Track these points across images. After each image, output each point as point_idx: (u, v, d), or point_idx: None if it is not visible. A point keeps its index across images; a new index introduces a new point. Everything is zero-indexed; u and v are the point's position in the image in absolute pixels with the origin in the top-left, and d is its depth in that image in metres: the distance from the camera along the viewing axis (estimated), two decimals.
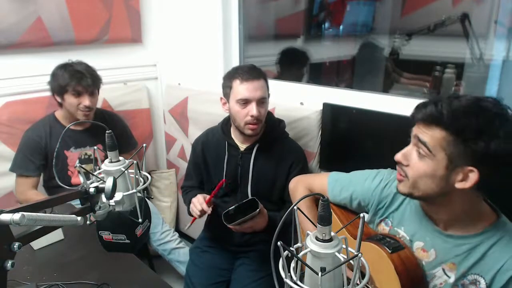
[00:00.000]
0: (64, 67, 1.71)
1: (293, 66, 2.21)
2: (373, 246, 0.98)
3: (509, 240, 0.87)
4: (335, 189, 1.19)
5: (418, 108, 0.90)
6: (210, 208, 1.40)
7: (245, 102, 1.39)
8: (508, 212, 0.94)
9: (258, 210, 1.26)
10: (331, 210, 0.56)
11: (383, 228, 1.09)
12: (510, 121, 0.82)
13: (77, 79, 1.68)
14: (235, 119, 1.45)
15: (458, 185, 0.86)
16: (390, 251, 0.95)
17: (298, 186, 1.33)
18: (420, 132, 0.89)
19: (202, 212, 1.39)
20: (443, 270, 0.94)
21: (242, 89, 1.38)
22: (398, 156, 0.94)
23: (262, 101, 1.40)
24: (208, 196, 1.43)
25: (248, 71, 1.40)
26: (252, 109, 1.38)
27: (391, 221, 1.08)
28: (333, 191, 1.19)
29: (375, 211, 1.11)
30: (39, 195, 1.80)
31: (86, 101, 1.72)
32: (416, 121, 0.91)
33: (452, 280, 0.93)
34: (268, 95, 1.46)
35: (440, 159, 0.86)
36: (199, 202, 1.40)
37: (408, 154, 0.92)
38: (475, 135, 0.81)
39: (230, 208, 1.30)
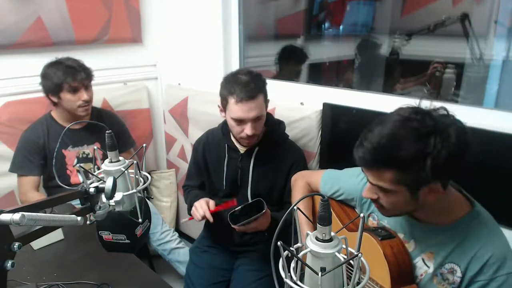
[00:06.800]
0: (54, 65, 1.70)
1: (291, 63, 2.22)
2: (364, 234, 1.01)
3: (481, 230, 0.91)
4: (327, 185, 1.28)
5: (355, 152, 0.91)
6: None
7: (240, 121, 1.37)
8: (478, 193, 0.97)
9: (264, 211, 1.27)
10: (331, 210, 0.57)
11: (372, 223, 1.14)
12: (439, 123, 0.83)
13: (72, 75, 1.68)
14: (231, 131, 1.45)
15: (429, 198, 0.89)
16: (380, 239, 1.00)
17: (298, 181, 1.40)
18: (370, 176, 0.92)
19: (204, 218, 1.39)
20: (423, 260, 0.99)
21: (236, 109, 1.34)
22: (365, 194, 0.98)
23: (258, 119, 1.37)
24: (211, 203, 1.42)
25: (244, 90, 1.32)
26: (247, 128, 1.36)
27: (377, 215, 1.12)
28: (325, 187, 1.28)
29: (360, 206, 1.17)
30: (42, 196, 1.79)
31: (83, 95, 1.72)
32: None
33: (431, 270, 0.97)
34: (266, 103, 1.43)
35: (402, 191, 0.88)
36: (203, 209, 1.39)
37: (372, 190, 0.95)
38: (420, 158, 0.82)
39: (236, 209, 1.30)
